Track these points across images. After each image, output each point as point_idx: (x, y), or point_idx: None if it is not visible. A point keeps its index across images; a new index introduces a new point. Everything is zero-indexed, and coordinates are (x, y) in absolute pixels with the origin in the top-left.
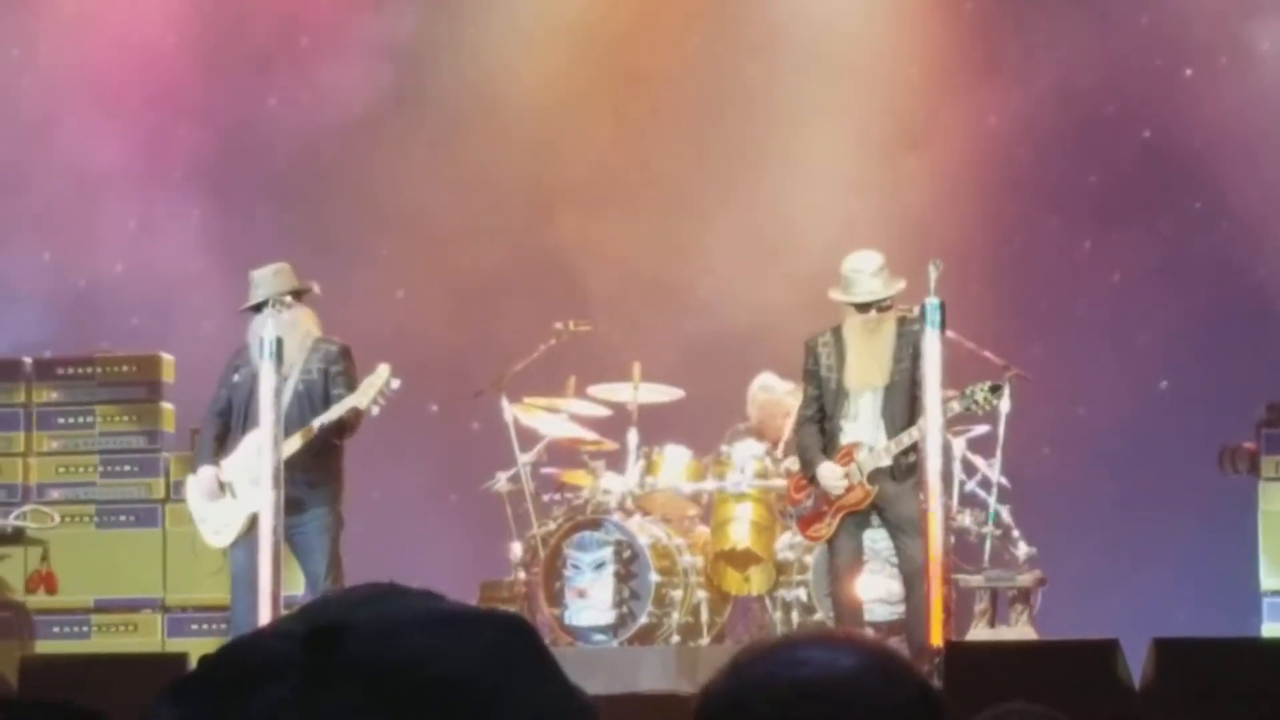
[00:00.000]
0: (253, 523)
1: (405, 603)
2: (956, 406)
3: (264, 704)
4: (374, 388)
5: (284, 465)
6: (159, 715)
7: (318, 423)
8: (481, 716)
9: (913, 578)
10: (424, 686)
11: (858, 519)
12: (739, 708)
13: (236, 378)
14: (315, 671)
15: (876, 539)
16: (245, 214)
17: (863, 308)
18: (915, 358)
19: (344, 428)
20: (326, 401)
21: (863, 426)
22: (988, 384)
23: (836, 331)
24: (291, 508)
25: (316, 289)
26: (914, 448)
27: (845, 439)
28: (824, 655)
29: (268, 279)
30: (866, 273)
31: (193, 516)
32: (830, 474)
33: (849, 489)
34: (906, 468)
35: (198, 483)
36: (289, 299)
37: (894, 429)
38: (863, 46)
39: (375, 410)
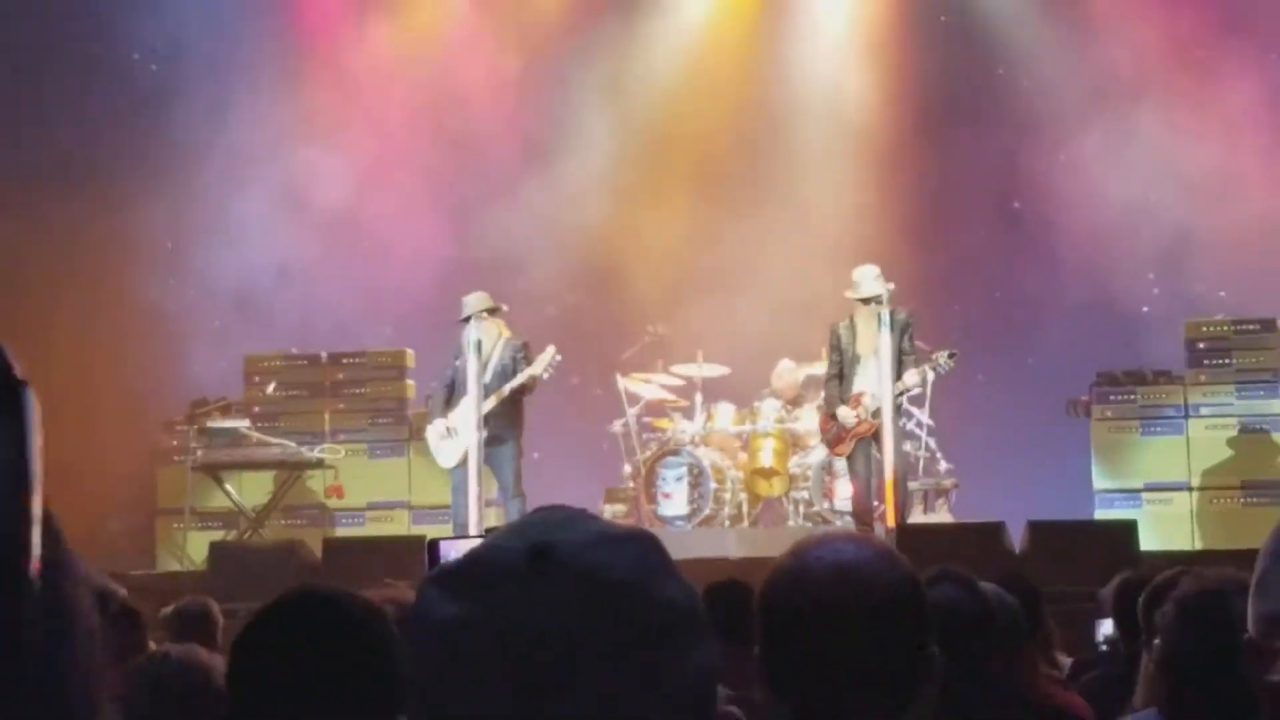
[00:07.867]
0: (466, 453)
1: (583, 525)
2: (930, 373)
3: (501, 596)
4: (544, 361)
5: (488, 416)
6: (428, 593)
7: (508, 387)
8: (641, 605)
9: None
10: (606, 587)
11: (867, 441)
12: (800, 579)
13: (457, 362)
14: (536, 577)
15: None
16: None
17: (865, 301)
18: (899, 336)
19: (524, 388)
20: (516, 377)
21: (868, 381)
22: (945, 352)
23: (850, 318)
24: (493, 442)
25: (505, 308)
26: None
27: (856, 389)
28: (852, 547)
29: (471, 301)
30: (869, 278)
31: (430, 449)
32: (845, 414)
33: (859, 422)
34: (895, 408)
35: (433, 429)
36: (485, 314)
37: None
38: (848, 99)
39: (545, 376)
